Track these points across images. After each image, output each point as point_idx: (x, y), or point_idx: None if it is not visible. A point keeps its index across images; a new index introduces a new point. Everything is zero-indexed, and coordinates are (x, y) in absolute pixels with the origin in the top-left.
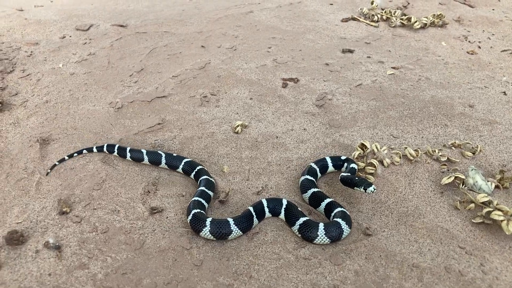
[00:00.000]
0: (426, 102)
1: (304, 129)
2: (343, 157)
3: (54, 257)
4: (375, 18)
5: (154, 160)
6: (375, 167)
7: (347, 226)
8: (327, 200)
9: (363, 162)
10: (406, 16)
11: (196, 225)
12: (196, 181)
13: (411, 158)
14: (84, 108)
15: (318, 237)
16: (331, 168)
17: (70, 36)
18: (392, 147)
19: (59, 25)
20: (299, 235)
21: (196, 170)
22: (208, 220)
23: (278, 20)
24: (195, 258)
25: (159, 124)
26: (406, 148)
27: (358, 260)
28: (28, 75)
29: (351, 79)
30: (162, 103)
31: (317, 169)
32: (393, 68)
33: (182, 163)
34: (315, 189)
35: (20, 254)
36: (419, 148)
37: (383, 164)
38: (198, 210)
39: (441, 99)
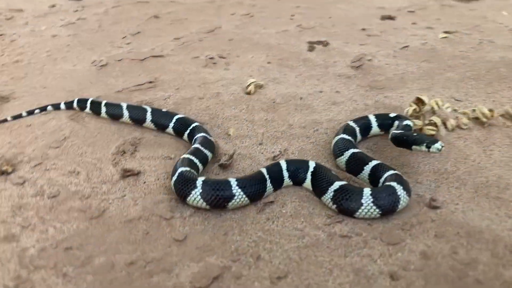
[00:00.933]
0: (494, 63)
1: (337, 91)
2: (392, 114)
3: None
4: None
5: (137, 116)
6: (437, 127)
7: (404, 192)
8: (373, 163)
9: (421, 121)
10: None
11: (182, 187)
12: (190, 142)
13: (484, 119)
14: (61, 68)
15: (363, 207)
16: (375, 128)
17: (61, 5)
18: (455, 109)
19: None
20: (334, 207)
21: (190, 128)
22: (200, 180)
23: None
24: (177, 232)
25: (150, 82)
26: (476, 108)
27: (425, 239)
28: (0, 35)
29: (394, 43)
30: (158, 63)
31: (357, 129)
32: (446, 32)
33: (173, 121)
34: (355, 150)
35: None
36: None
37: (446, 127)
38: (187, 169)
39: None
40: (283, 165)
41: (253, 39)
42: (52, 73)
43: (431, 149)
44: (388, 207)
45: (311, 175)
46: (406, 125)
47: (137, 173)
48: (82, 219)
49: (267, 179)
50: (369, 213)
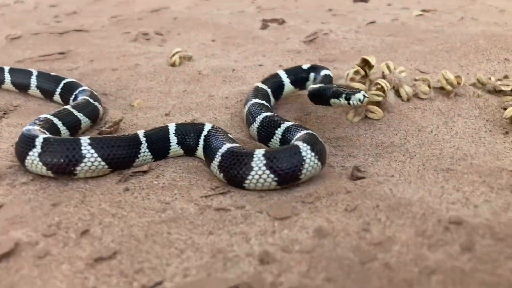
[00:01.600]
0: (473, 35)
1: (280, 65)
2: (305, 66)
3: None
4: None
5: (20, 82)
6: (384, 92)
7: (313, 154)
8: (286, 124)
9: (365, 86)
10: None
11: (20, 147)
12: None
13: (449, 87)
14: None
15: (253, 173)
16: (288, 86)
17: None
18: (416, 78)
19: None
20: (221, 176)
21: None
22: (41, 137)
23: None
24: None
25: (60, 53)
26: (441, 74)
27: (329, 213)
28: None
29: (361, 20)
30: (79, 36)
31: (268, 90)
32: (424, 11)
33: (60, 86)
34: (268, 113)
35: None
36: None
37: (399, 96)
38: (35, 127)
39: (496, 32)
40: (171, 128)
41: (201, 19)
42: None
43: (351, 101)
44: (287, 172)
45: (204, 140)
46: (325, 75)
47: None
48: None
49: (142, 142)
50: (262, 180)
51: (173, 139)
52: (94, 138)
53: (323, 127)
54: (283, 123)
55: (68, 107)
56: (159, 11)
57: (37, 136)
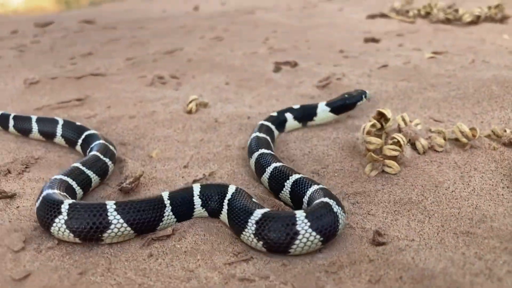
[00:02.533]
0: (485, 81)
1: None
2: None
3: None
4: (411, 13)
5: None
6: (401, 146)
7: (340, 208)
8: (296, 177)
9: (381, 140)
10: (452, 9)
11: (45, 214)
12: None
13: (464, 140)
14: None
15: (300, 237)
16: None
17: (24, 31)
18: (432, 129)
19: (17, 22)
20: (260, 244)
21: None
22: (66, 203)
23: (285, 17)
24: (20, 268)
25: (78, 100)
26: (456, 126)
27: (353, 285)
28: None
29: (373, 63)
30: (96, 81)
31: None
32: (435, 53)
33: (82, 137)
34: (277, 164)
35: None
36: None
37: (415, 149)
38: (55, 191)
39: (508, 77)
40: (196, 189)
41: (215, 60)
42: None
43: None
44: (329, 230)
45: (228, 205)
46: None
47: (11, 196)
48: None
49: (167, 205)
50: (309, 242)
51: (197, 201)
52: (119, 203)
53: (341, 181)
54: (291, 175)
55: (79, 165)
56: (173, 52)
57: (62, 202)
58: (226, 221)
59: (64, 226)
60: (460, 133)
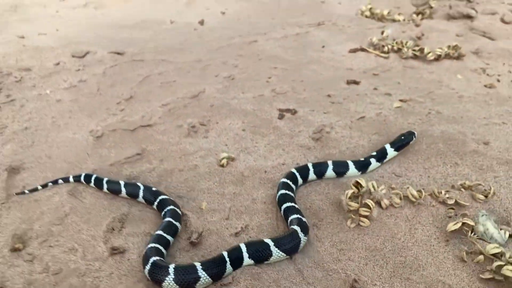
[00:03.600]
0: (434, 138)
1: (297, 163)
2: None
3: None
4: (386, 49)
5: (132, 192)
6: (370, 208)
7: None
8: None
9: (357, 203)
10: (419, 47)
11: (157, 275)
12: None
13: (413, 200)
14: (63, 136)
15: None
16: (374, 163)
17: (65, 63)
18: (393, 186)
19: (56, 52)
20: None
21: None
22: (171, 267)
23: (282, 50)
24: None
25: (138, 154)
26: (408, 188)
27: None
28: (12, 100)
29: (353, 111)
30: (146, 132)
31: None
32: (401, 101)
33: (158, 200)
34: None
35: None
36: (423, 188)
37: (381, 206)
38: (158, 258)
39: (452, 134)
40: (243, 248)
41: (231, 105)
42: (55, 142)
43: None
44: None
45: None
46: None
47: (123, 251)
48: None
49: (227, 260)
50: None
51: (245, 255)
52: (203, 262)
53: (332, 231)
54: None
55: (161, 232)
56: (198, 96)
57: (168, 267)
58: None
59: (173, 282)
60: (410, 195)
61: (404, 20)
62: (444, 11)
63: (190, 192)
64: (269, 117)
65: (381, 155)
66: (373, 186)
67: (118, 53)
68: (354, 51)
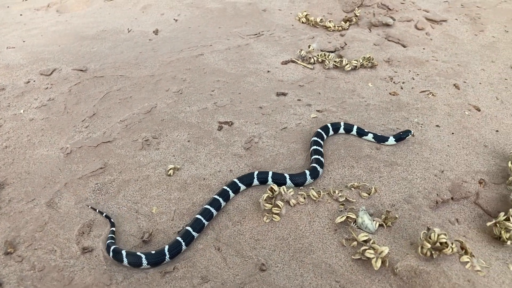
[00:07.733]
0: (338, 145)
1: (230, 170)
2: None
3: None
4: (312, 60)
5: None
6: (279, 208)
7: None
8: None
9: (271, 204)
10: (339, 59)
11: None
12: None
13: (314, 198)
14: (38, 153)
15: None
16: (370, 137)
17: (34, 81)
18: (301, 188)
19: (25, 69)
20: None
21: None
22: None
23: (225, 62)
24: None
25: (101, 168)
26: (311, 189)
27: None
28: None
29: (278, 122)
30: (107, 148)
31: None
32: (318, 111)
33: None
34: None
35: None
36: (324, 188)
37: (290, 204)
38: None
39: (352, 141)
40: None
41: (179, 118)
42: (32, 159)
43: (412, 133)
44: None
45: None
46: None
47: (91, 250)
48: (59, 286)
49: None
50: None
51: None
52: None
53: (251, 226)
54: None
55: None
56: (151, 111)
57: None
58: None
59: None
60: (312, 195)
61: (334, 26)
62: (369, 18)
63: (143, 199)
64: (210, 129)
65: (379, 138)
66: (284, 190)
67: (81, 70)
68: (285, 63)
